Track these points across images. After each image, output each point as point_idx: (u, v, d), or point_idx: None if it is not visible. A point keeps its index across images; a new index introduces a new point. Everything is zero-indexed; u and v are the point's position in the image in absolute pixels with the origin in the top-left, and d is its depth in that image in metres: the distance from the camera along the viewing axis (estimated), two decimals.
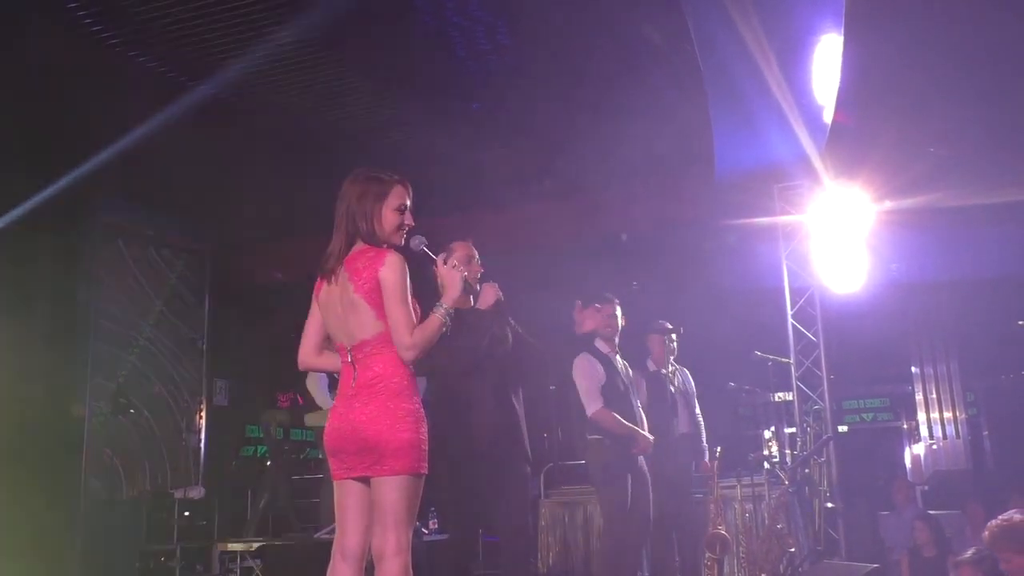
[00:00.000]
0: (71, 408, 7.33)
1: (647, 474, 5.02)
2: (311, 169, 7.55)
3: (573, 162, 7.55)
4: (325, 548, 2.83)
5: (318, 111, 6.72)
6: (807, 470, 6.59)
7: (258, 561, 6.62)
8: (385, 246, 2.79)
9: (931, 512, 6.84)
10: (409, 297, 2.71)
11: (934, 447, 10.16)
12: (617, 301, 5.15)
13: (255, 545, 6.72)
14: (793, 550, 5.75)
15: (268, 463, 8.45)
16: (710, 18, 4.79)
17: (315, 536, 6.48)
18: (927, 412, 10.24)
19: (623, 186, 7.90)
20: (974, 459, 10.27)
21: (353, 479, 2.72)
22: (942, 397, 10.19)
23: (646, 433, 5.02)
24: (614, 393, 4.97)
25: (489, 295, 3.56)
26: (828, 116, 5.92)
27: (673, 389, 5.93)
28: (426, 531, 6.44)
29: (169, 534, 7.01)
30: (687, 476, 5.90)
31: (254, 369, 9.37)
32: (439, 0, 5.32)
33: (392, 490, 2.62)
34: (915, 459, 10.73)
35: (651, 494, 5.03)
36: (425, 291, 2.95)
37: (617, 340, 5.17)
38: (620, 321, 5.19)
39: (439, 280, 2.90)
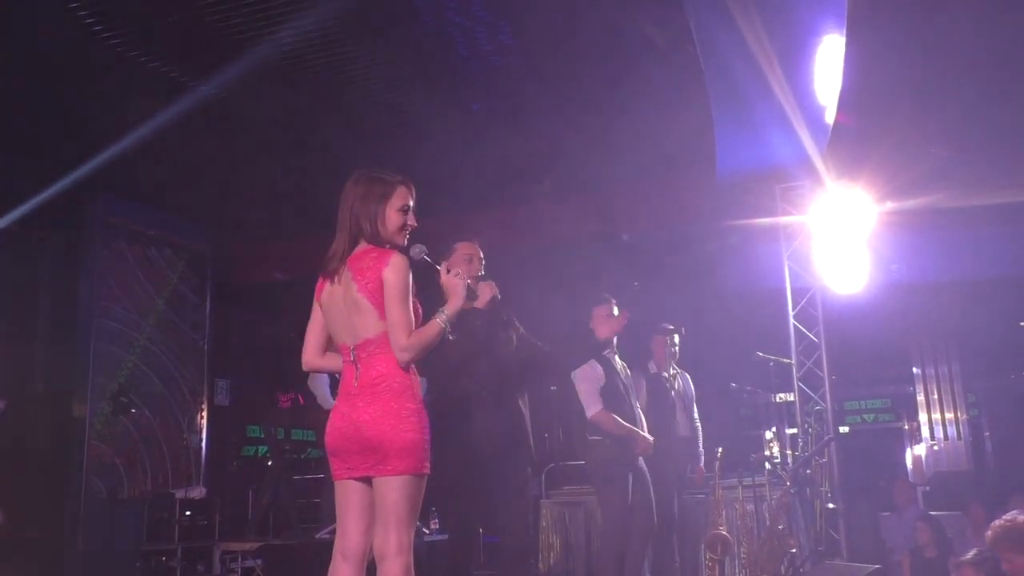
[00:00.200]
0: (72, 408, 7.33)
1: (647, 475, 5.02)
2: (312, 169, 7.57)
3: (574, 162, 7.56)
4: (326, 548, 2.83)
5: (319, 111, 6.72)
6: (808, 471, 6.59)
7: (259, 561, 6.63)
8: (389, 247, 2.79)
9: (932, 513, 6.83)
10: (410, 299, 2.71)
11: (935, 448, 10.16)
12: (614, 301, 5.15)
13: (256, 545, 6.72)
14: (794, 551, 5.74)
15: (269, 463, 8.45)
16: (712, 18, 4.78)
17: (316, 536, 6.48)
18: (928, 413, 10.24)
19: (624, 186, 7.90)
20: (975, 460, 10.27)
21: (354, 479, 2.72)
22: (943, 398, 10.19)
23: (646, 434, 5.01)
24: (614, 394, 4.97)
25: (485, 293, 3.55)
26: (830, 117, 5.92)
27: (673, 393, 5.93)
28: (427, 531, 6.44)
29: (170, 534, 7.01)
30: (684, 478, 5.90)
31: (255, 369, 9.38)
32: (440, 0, 5.31)
33: (394, 490, 2.62)
34: (916, 460, 10.72)
35: (652, 495, 5.03)
36: (427, 293, 2.95)
37: (615, 341, 5.16)
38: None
39: (443, 287, 2.89)
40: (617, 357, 5.18)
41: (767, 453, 7.12)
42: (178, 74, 6.03)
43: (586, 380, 4.91)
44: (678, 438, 5.83)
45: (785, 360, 7.02)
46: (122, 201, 7.92)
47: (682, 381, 6.09)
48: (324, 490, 6.85)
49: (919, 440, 10.45)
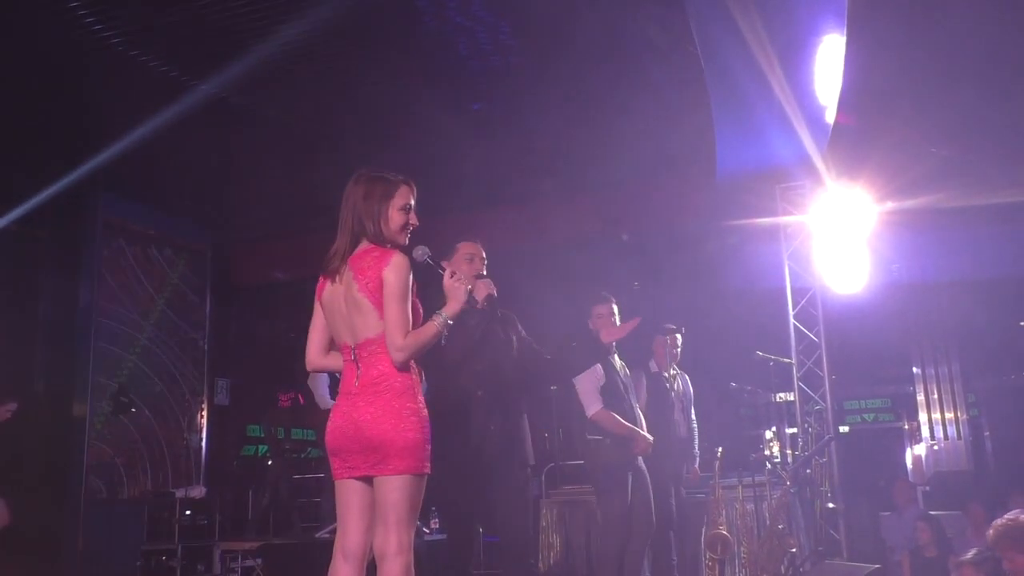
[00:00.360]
0: (72, 408, 7.33)
1: (646, 474, 5.02)
2: (312, 169, 7.56)
3: (574, 162, 7.55)
4: (326, 548, 2.83)
5: (319, 111, 6.72)
6: (808, 470, 6.59)
7: (259, 560, 6.63)
8: (390, 246, 2.79)
9: (932, 513, 6.83)
10: (409, 299, 2.71)
11: (935, 448, 10.15)
12: (614, 300, 5.14)
13: (256, 544, 6.72)
14: (794, 550, 5.74)
15: (269, 462, 8.46)
16: (712, 19, 4.78)
17: (316, 536, 6.48)
18: (928, 413, 10.24)
19: (625, 186, 7.90)
20: (975, 460, 10.26)
21: (355, 478, 2.72)
22: (943, 398, 10.18)
23: (645, 434, 5.02)
24: (613, 393, 4.96)
25: (481, 291, 3.55)
26: (830, 117, 5.92)
27: (673, 393, 5.93)
28: (427, 531, 6.44)
29: (170, 533, 7.02)
30: (682, 478, 5.90)
31: (255, 368, 9.37)
32: (440, 0, 5.31)
33: (395, 490, 2.62)
34: (916, 460, 10.71)
35: (651, 494, 5.03)
36: (427, 293, 2.95)
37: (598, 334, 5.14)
38: (617, 320, 5.17)
39: (444, 290, 2.89)
40: (616, 356, 5.18)
41: (767, 453, 7.11)
42: (178, 74, 6.03)
43: (586, 379, 4.90)
44: (677, 438, 5.83)
45: (785, 360, 7.03)
46: (122, 201, 7.92)
47: (681, 381, 6.09)
48: (324, 490, 6.86)
49: (919, 440, 10.45)
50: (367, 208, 2.79)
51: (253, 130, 6.93)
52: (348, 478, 2.73)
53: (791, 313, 7.16)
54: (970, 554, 4.83)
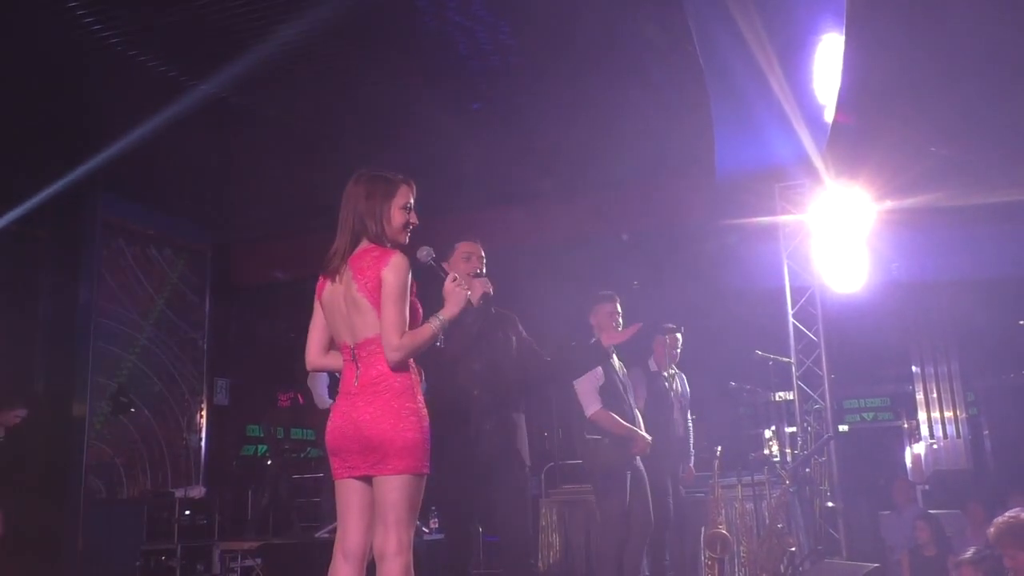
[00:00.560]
0: (72, 408, 7.33)
1: (645, 474, 5.03)
2: (312, 169, 7.56)
3: (574, 162, 7.55)
4: (326, 548, 2.84)
5: (319, 111, 6.72)
6: (808, 469, 6.60)
7: (258, 560, 6.63)
8: (390, 246, 2.79)
9: (932, 512, 6.84)
10: (407, 300, 2.71)
11: (935, 447, 10.16)
12: (617, 298, 5.14)
13: (255, 544, 6.72)
14: (794, 549, 5.75)
15: (269, 462, 8.46)
16: (711, 18, 4.78)
17: (316, 535, 6.48)
18: (928, 412, 10.24)
19: (624, 186, 7.90)
20: (975, 459, 10.27)
21: (355, 478, 2.72)
22: (943, 396, 10.18)
23: (644, 434, 5.02)
24: (612, 393, 4.97)
25: (477, 289, 3.55)
26: (829, 116, 5.92)
27: (672, 393, 5.93)
28: (426, 530, 6.44)
29: (170, 533, 7.02)
30: (679, 478, 5.90)
31: (255, 368, 9.37)
32: (440, 0, 5.31)
33: (394, 489, 2.62)
34: (916, 458, 10.72)
35: (649, 494, 5.03)
36: (426, 293, 2.95)
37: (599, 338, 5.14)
38: (620, 319, 5.17)
39: (444, 293, 2.89)
40: (615, 356, 5.18)
41: (766, 452, 7.12)
42: (177, 74, 6.03)
43: (585, 379, 4.90)
44: (676, 438, 5.83)
45: (784, 359, 7.03)
46: (122, 201, 7.92)
47: (680, 381, 6.09)
48: (324, 489, 6.86)
49: (918, 439, 10.45)
50: (368, 207, 2.79)
51: (253, 130, 6.93)
52: (348, 478, 2.73)
53: (790, 312, 7.16)
54: (969, 553, 4.84)
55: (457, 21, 5.53)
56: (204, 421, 8.62)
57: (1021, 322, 10.23)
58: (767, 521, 5.91)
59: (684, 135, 6.75)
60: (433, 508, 6.43)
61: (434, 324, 2.76)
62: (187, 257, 8.71)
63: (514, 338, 3.90)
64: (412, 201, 2.87)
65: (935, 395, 10.22)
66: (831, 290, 7.16)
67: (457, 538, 3.90)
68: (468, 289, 2.91)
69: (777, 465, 6.57)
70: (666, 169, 7.57)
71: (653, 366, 5.96)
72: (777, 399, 8.77)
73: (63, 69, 5.94)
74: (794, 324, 7.14)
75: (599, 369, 4.93)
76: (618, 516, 4.87)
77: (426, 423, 2.70)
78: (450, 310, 2.82)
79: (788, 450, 7.30)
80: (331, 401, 6.45)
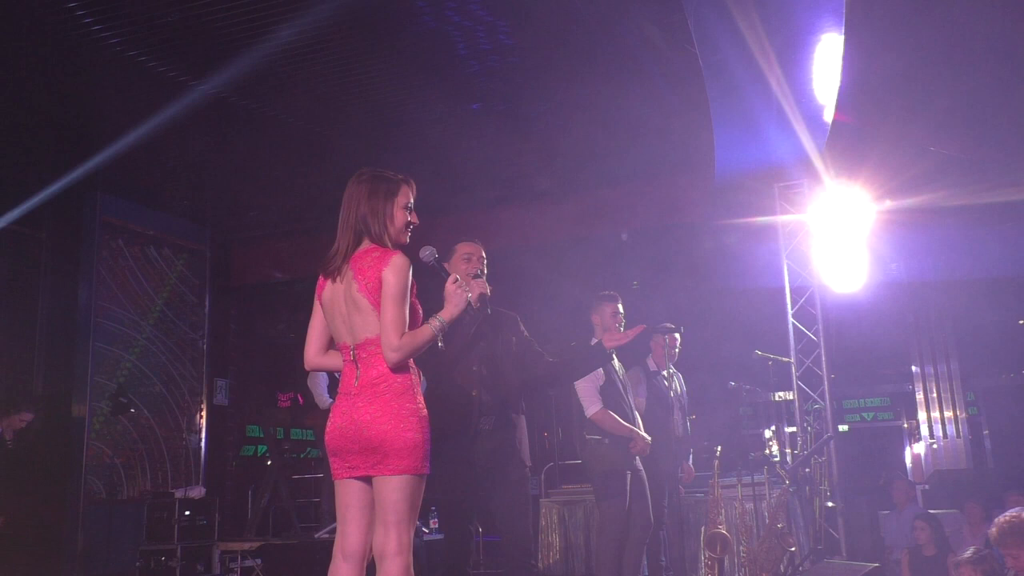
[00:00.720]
0: (71, 408, 7.34)
1: (644, 474, 5.03)
2: (311, 169, 7.57)
3: (573, 162, 7.56)
4: (325, 548, 2.84)
5: (318, 111, 6.72)
6: (808, 469, 6.59)
7: (258, 560, 6.64)
8: (391, 246, 2.79)
9: (931, 511, 6.83)
10: (407, 300, 2.71)
11: (934, 446, 10.16)
12: (619, 298, 5.14)
13: (255, 545, 6.72)
14: (793, 549, 5.74)
15: (268, 462, 8.46)
16: (711, 18, 4.78)
17: (315, 536, 6.48)
18: (927, 411, 10.25)
19: (624, 185, 7.90)
20: (974, 458, 10.28)
21: (355, 478, 2.72)
22: (942, 396, 10.19)
23: (644, 434, 5.02)
24: (613, 393, 4.97)
25: (474, 290, 3.55)
26: (828, 115, 5.92)
27: (672, 393, 5.93)
28: (426, 531, 6.45)
29: (169, 533, 7.02)
30: (677, 477, 5.91)
31: (254, 368, 9.38)
32: (440, 0, 5.31)
33: (394, 490, 2.62)
34: (915, 458, 10.73)
35: (649, 493, 5.04)
36: (426, 294, 2.95)
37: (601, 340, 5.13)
38: (623, 319, 5.17)
39: (444, 294, 2.89)
40: (614, 356, 5.17)
41: (766, 452, 7.12)
42: (178, 74, 6.03)
43: (586, 379, 4.90)
44: (675, 438, 5.83)
45: (784, 359, 7.03)
46: (121, 201, 7.93)
47: (678, 381, 6.09)
48: (324, 490, 6.86)
49: (918, 438, 10.46)
50: (371, 207, 2.79)
51: (253, 130, 6.93)
52: (348, 478, 2.73)
53: (790, 312, 7.16)
54: (968, 553, 4.82)
55: (456, 21, 5.53)
56: (204, 421, 8.62)
57: (1021, 322, 10.24)
58: (767, 521, 5.91)
59: (684, 135, 6.76)
60: (433, 508, 6.43)
61: (434, 325, 2.76)
62: (187, 257, 8.71)
63: (514, 338, 3.90)
64: (412, 201, 2.88)
65: (935, 395, 10.23)
66: (831, 290, 7.16)
67: (456, 538, 3.90)
68: (469, 293, 2.90)
69: (777, 465, 6.57)
70: (666, 169, 7.58)
71: (652, 366, 5.96)
72: (777, 399, 8.78)
73: (63, 69, 5.95)
74: (794, 324, 7.14)
75: (600, 370, 4.93)
76: (617, 516, 4.87)
77: (426, 423, 2.70)
78: (450, 311, 2.82)
79: (788, 450, 7.30)
80: (331, 400, 6.48)
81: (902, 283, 8.82)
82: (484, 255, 3.91)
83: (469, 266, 3.79)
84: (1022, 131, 6.53)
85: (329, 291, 2.80)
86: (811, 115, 5.88)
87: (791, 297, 7.19)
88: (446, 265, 3.56)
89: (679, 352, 6.05)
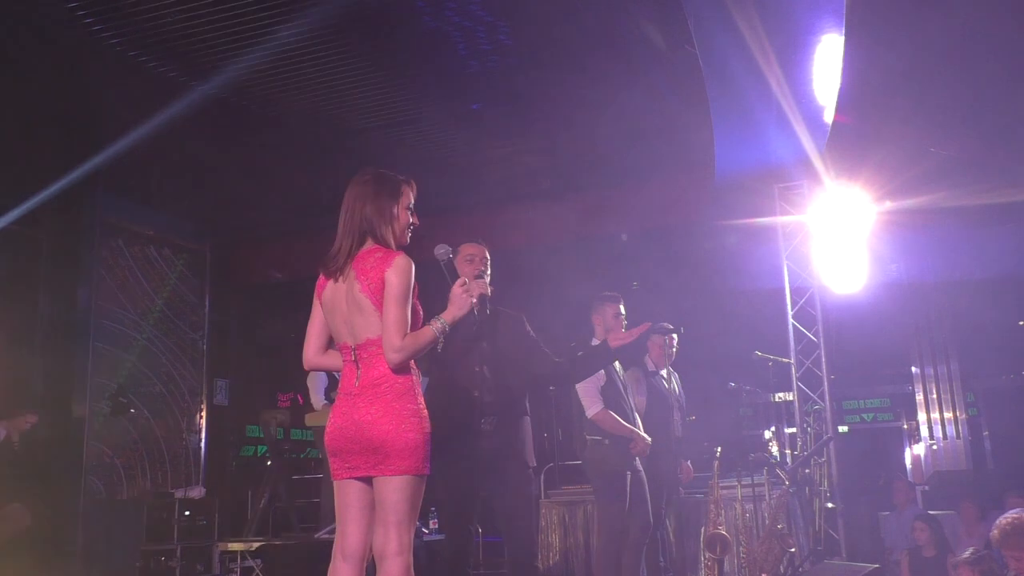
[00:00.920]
0: (71, 408, 7.33)
1: (644, 475, 5.02)
2: (311, 169, 7.57)
3: (573, 162, 7.56)
4: (325, 548, 2.83)
5: (318, 112, 6.72)
6: (807, 470, 6.59)
7: (258, 561, 6.63)
8: (394, 247, 2.79)
9: (931, 512, 6.83)
10: (410, 301, 2.71)
11: (934, 447, 10.16)
12: (621, 299, 5.14)
13: (255, 545, 6.72)
14: (793, 550, 5.74)
15: (268, 463, 8.46)
16: (711, 18, 4.78)
17: (315, 536, 6.48)
18: (927, 412, 10.25)
19: (624, 186, 7.90)
20: (974, 459, 10.28)
21: (354, 479, 2.72)
22: (942, 397, 10.19)
23: (644, 434, 5.01)
24: (614, 393, 4.97)
25: (473, 290, 3.55)
26: (829, 116, 5.92)
27: (671, 394, 5.92)
28: (426, 531, 6.44)
29: (169, 534, 7.01)
30: (677, 477, 5.90)
31: (254, 369, 9.38)
32: (440, 0, 5.31)
33: (395, 490, 2.62)
34: (915, 459, 10.73)
35: (648, 494, 5.03)
36: (425, 294, 2.94)
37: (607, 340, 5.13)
38: (624, 320, 5.16)
39: (449, 296, 2.88)
40: None
41: (766, 453, 7.12)
42: (178, 74, 6.03)
43: (587, 379, 4.90)
44: (675, 439, 5.82)
45: (784, 360, 7.03)
46: (121, 201, 7.92)
47: (675, 381, 6.09)
48: (324, 490, 6.86)
49: (918, 439, 10.46)
50: (376, 208, 2.79)
51: (253, 130, 6.93)
52: (348, 478, 2.73)
53: (790, 313, 7.16)
54: (967, 554, 4.82)
55: (456, 21, 5.53)
56: (203, 421, 8.62)
57: (1021, 323, 10.24)
58: (767, 522, 5.90)
59: (684, 135, 6.75)
60: (432, 508, 6.43)
61: (436, 326, 2.76)
62: (187, 257, 8.70)
63: (518, 339, 3.88)
64: (413, 201, 2.88)
65: (935, 396, 10.23)
66: (831, 291, 7.16)
67: (457, 539, 3.89)
68: (475, 299, 2.90)
69: (777, 466, 6.56)
70: (666, 169, 7.57)
71: (650, 365, 5.95)
72: (777, 400, 8.78)
73: (63, 69, 5.94)
74: (794, 325, 7.14)
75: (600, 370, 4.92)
76: (617, 517, 4.87)
77: (427, 424, 2.70)
78: (452, 313, 2.82)
79: (788, 451, 7.30)
80: (325, 401, 6.49)
81: (902, 284, 8.82)
82: (488, 256, 3.91)
83: (471, 267, 3.79)
84: (1022, 131, 6.53)
85: (330, 291, 2.80)
86: (811, 116, 5.88)
87: (791, 298, 7.19)
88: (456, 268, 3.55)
89: (676, 352, 6.04)
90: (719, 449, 6.06)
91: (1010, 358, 10.53)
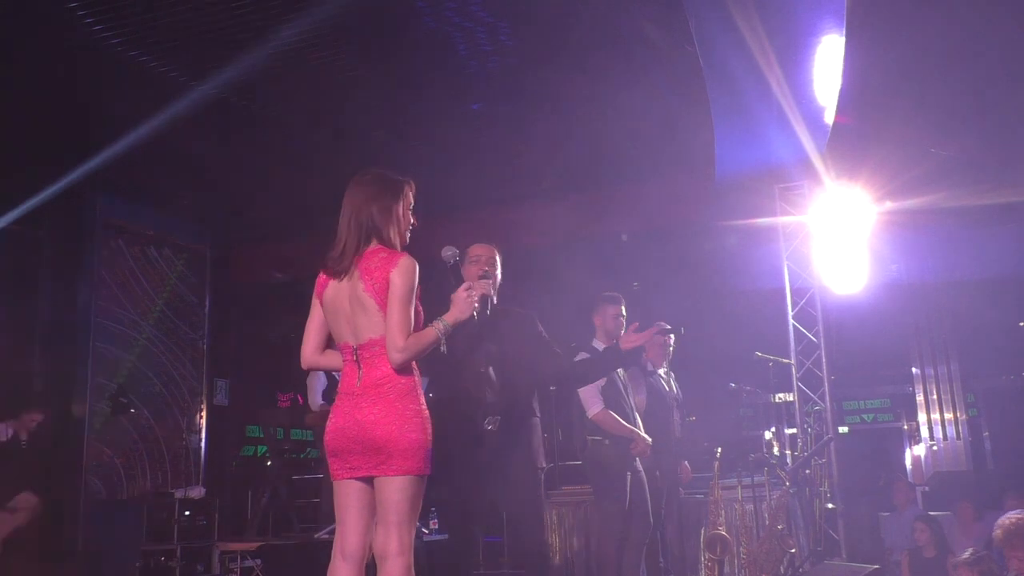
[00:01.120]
0: (71, 408, 7.33)
1: (644, 475, 5.02)
2: (312, 169, 7.56)
3: (574, 162, 7.55)
4: (325, 548, 2.83)
5: (318, 111, 6.72)
6: (808, 471, 6.59)
7: (258, 561, 6.63)
8: (398, 247, 2.80)
9: (931, 513, 6.83)
10: (413, 302, 2.71)
11: (934, 448, 10.16)
12: (623, 299, 5.14)
13: (255, 545, 6.72)
14: (794, 551, 5.74)
15: (268, 463, 8.46)
16: (711, 19, 4.78)
17: (315, 536, 6.48)
18: (928, 413, 10.25)
19: (624, 186, 7.90)
20: (974, 460, 10.27)
21: (354, 479, 2.71)
22: (943, 398, 10.19)
23: (644, 435, 5.01)
24: (614, 393, 4.96)
25: (475, 291, 3.54)
26: (829, 117, 5.92)
27: (671, 394, 5.92)
28: (426, 531, 6.44)
29: (169, 534, 7.01)
30: (677, 478, 5.89)
31: (254, 369, 9.37)
32: (440, 0, 5.31)
33: (397, 490, 2.62)
34: (915, 460, 10.72)
35: (648, 494, 5.03)
36: (430, 298, 2.94)
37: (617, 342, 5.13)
38: (624, 321, 5.16)
39: (452, 297, 2.88)
40: None
41: (766, 453, 7.12)
42: (179, 74, 6.03)
43: None
44: (675, 439, 5.82)
45: (784, 360, 7.02)
46: (121, 201, 7.92)
47: (674, 382, 6.08)
48: (324, 490, 6.86)
49: (918, 440, 10.45)
50: (381, 208, 2.79)
51: (253, 130, 6.93)
52: (348, 478, 2.73)
53: (790, 313, 7.16)
54: (966, 554, 4.82)
55: (457, 22, 5.53)
56: (204, 421, 8.62)
57: (1022, 323, 10.23)
58: (767, 522, 5.90)
59: (684, 135, 6.75)
60: (433, 509, 6.43)
61: (438, 327, 2.76)
62: (186, 257, 8.70)
63: (527, 339, 3.85)
64: (412, 202, 2.89)
65: (935, 396, 10.23)
66: (831, 291, 7.16)
67: (459, 540, 3.88)
68: (477, 300, 2.90)
69: (777, 466, 6.56)
70: (666, 169, 7.57)
71: (649, 365, 5.95)
72: (777, 400, 8.76)
73: (63, 69, 5.94)
74: (794, 325, 7.14)
75: None
76: (617, 517, 4.86)
77: (429, 425, 2.71)
78: (454, 315, 2.82)
79: (788, 451, 7.29)
80: (323, 402, 6.49)
81: (902, 284, 8.82)
82: (498, 257, 3.88)
83: (476, 268, 3.77)
84: (1022, 131, 6.53)
85: (332, 290, 2.79)
86: (812, 116, 5.88)
87: (791, 298, 7.18)
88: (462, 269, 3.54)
89: (673, 351, 6.04)
90: (719, 449, 6.06)
91: (1010, 358, 10.53)
